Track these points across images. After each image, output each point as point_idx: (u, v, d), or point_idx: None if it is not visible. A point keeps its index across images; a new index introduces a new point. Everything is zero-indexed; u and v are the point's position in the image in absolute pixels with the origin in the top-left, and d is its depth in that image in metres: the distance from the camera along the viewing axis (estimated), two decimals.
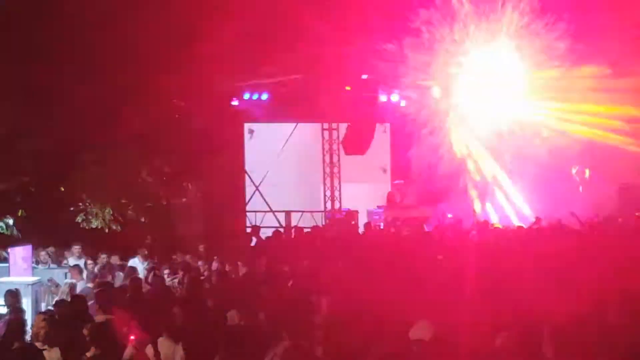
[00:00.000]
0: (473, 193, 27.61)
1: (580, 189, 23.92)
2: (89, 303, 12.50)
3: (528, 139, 26.64)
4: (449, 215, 26.05)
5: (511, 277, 13.46)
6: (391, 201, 27.20)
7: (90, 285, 15.16)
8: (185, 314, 11.05)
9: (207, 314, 11.75)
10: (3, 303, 13.13)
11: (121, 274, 16.09)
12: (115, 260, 17.39)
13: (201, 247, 18.90)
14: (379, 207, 27.02)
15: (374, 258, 16.30)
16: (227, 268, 16.13)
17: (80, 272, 16.09)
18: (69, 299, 13.49)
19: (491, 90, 27.00)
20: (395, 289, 12.88)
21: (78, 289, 14.85)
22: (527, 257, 15.47)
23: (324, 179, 26.08)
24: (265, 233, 22.79)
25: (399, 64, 24.88)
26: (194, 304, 12.04)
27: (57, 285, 15.27)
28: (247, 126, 27.33)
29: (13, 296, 12.95)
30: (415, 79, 26.38)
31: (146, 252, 17.49)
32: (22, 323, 10.99)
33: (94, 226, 19.22)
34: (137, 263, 17.14)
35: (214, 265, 16.18)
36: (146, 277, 16.00)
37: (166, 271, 16.00)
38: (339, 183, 25.99)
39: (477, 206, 26.91)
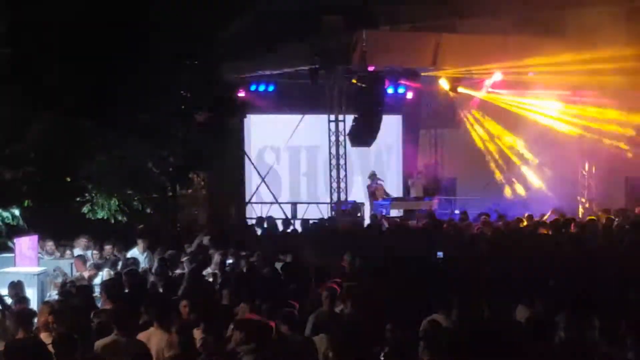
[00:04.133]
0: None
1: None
2: None
3: (536, 132, 26.66)
4: (456, 211, 26.03)
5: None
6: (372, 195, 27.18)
7: (85, 275, 15.21)
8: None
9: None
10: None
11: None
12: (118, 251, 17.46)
13: (205, 239, 18.91)
14: (385, 199, 27.03)
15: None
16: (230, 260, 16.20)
17: (85, 262, 16.13)
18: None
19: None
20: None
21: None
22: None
23: (330, 171, 26.05)
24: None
25: (406, 54, 24.86)
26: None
27: (65, 274, 15.31)
28: None
29: (15, 287, 12.99)
30: (422, 71, 26.39)
31: (146, 243, 17.50)
32: (30, 314, 11.03)
33: (99, 217, 19.22)
34: (136, 254, 17.16)
35: (216, 257, 16.20)
36: (150, 267, 16.05)
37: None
38: (345, 175, 25.97)
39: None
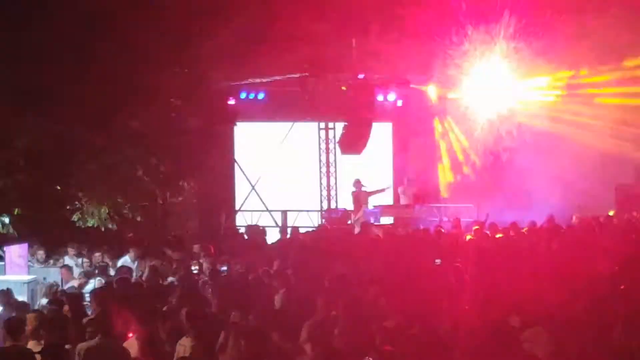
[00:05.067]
0: None
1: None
2: None
3: (525, 139, 26.68)
4: (445, 219, 26.00)
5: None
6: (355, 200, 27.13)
7: (75, 284, 15.19)
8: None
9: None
10: None
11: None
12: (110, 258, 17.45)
13: (195, 247, 18.90)
14: (375, 207, 27.01)
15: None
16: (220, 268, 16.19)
17: (72, 272, 16.08)
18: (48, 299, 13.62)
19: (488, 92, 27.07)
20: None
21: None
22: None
23: (320, 179, 26.04)
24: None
25: (396, 63, 24.88)
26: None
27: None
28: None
29: (4, 295, 12.97)
30: (412, 79, 26.43)
31: (137, 252, 17.50)
32: (21, 321, 11.03)
33: (90, 225, 19.19)
34: (127, 262, 17.14)
35: (205, 265, 16.21)
36: (141, 275, 16.05)
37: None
38: (336, 183, 25.96)
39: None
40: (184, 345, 10.37)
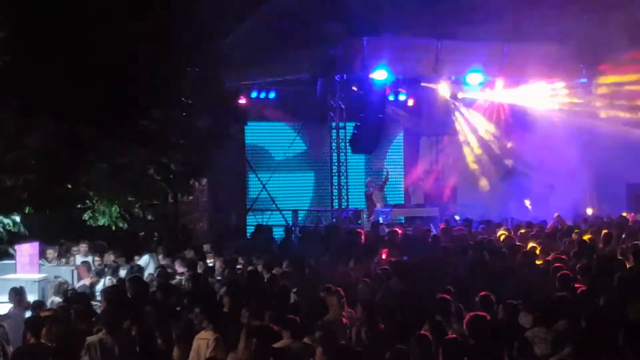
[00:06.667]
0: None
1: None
2: None
3: (535, 139, 26.65)
4: (456, 217, 25.97)
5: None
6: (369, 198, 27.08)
7: (87, 283, 15.22)
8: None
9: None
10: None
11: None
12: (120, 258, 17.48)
13: (206, 246, 18.89)
14: (386, 206, 27.01)
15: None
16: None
17: (89, 269, 16.10)
18: (59, 298, 13.67)
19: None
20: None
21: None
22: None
23: (331, 178, 25.97)
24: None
25: (406, 62, 24.86)
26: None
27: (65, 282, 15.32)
28: None
29: (17, 293, 13.00)
30: (423, 78, 26.42)
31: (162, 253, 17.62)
32: (40, 321, 11.10)
33: (100, 224, 19.19)
34: (148, 261, 17.19)
35: (217, 264, 16.21)
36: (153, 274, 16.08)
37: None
38: (347, 182, 25.89)
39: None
40: (207, 338, 10.36)
